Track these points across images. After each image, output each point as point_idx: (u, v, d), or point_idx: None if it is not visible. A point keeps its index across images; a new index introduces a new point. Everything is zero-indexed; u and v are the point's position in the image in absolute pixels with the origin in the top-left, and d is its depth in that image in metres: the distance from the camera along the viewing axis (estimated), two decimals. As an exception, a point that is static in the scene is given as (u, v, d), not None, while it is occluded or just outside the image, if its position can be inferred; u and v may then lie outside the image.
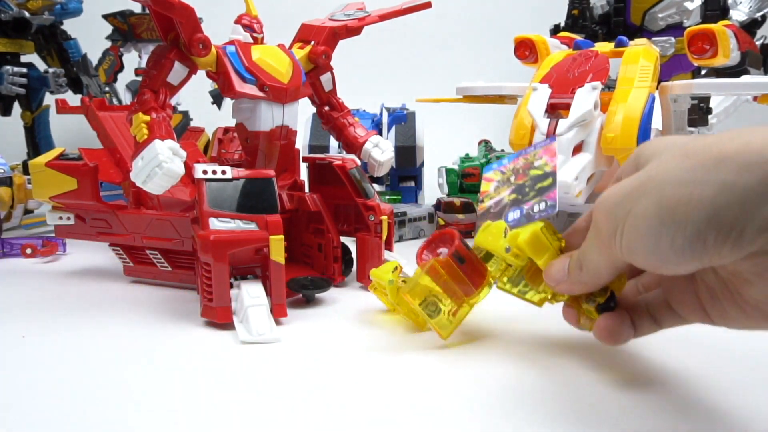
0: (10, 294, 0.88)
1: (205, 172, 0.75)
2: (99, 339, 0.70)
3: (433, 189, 1.53)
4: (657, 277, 0.41)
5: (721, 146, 0.29)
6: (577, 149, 0.89)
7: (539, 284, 0.54)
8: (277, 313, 0.74)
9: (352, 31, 0.90)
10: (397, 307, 0.72)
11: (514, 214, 0.54)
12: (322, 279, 0.85)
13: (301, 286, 0.81)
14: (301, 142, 1.42)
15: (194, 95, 1.53)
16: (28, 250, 1.10)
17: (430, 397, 0.55)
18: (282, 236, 0.73)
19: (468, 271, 0.60)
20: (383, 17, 0.93)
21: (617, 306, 0.42)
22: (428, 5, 0.96)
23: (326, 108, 0.96)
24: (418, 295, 0.62)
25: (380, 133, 1.45)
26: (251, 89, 0.81)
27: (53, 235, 1.01)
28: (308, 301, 0.83)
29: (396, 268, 0.71)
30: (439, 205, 1.35)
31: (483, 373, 0.60)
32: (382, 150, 0.94)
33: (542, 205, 0.50)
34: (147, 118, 0.75)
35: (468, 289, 0.61)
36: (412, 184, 1.49)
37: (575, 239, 0.43)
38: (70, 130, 1.61)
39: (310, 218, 0.91)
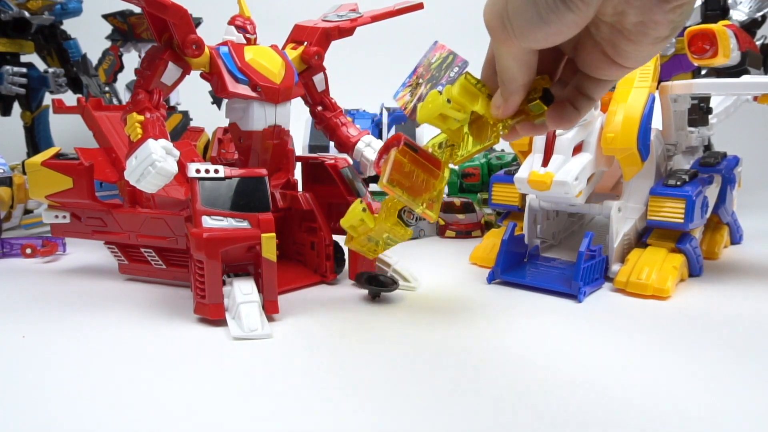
0: (10, 294, 0.88)
1: (198, 170, 0.75)
2: (96, 337, 0.70)
3: (432, 189, 1.53)
4: (572, 66, 0.47)
5: None
6: (577, 149, 0.89)
7: (488, 134, 0.56)
8: (269, 309, 0.75)
9: (344, 32, 0.90)
10: (376, 246, 0.73)
11: (437, 89, 0.58)
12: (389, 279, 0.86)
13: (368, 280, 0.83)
14: (301, 142, 1.42)
15: (194, 95, 1.54)
16: (28, 250, 1.10)
17: (425, 394, 0.55)
18: (273, 234, 0.74)
19: (424, 157, 0.65)
20: (375, 18, 0.93)
21: (555, 97, 0.48)
22: (420, 6, 0.96)
23: (319, 108, 0.96)
24: (393, 211, 0.67)
25: (380, 133, 1.45)
26: (244, 89, 0.81)
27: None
28: (374, 297, 0.85)
29: (361, 201, 0.72)
30: (438, 205, 1.35)
31: (480, 372, 0.60)
32: (374, 149, 0.94)
33: (456, 69, 0.56)
34: (141, 117, 0.75)
35: (432, 172, 0.65)
36: (412, 184, 1.48)
37: (492, 82, 0.49)
38: (69, 130, 1.62)
39: (303, 217, 0.92)
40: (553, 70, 0.49)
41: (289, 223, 0.95)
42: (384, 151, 0.68)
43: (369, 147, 0.94)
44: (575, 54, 0.44)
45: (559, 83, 0.48)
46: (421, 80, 0.61)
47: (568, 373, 0.60)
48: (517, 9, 0.38)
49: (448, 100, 0.53)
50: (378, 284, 0.83)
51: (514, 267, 0.94)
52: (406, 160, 0.64)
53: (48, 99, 1.51)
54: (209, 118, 1.58)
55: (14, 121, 1.52)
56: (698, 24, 1.19)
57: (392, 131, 1.45)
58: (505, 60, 0.43)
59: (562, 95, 0.47)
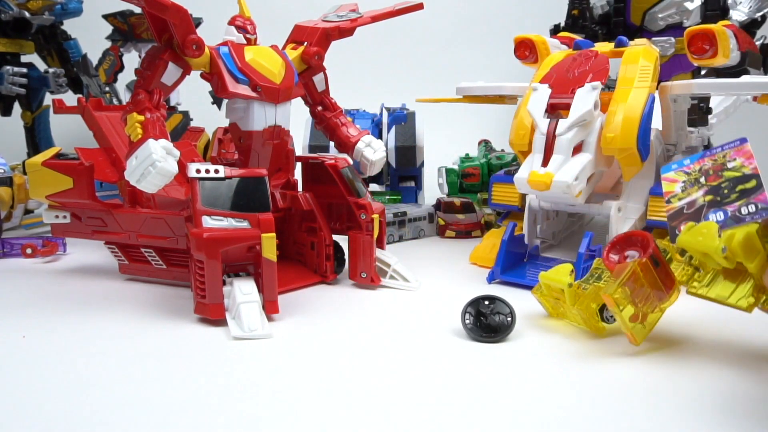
0: (10, 294, 0.88)
1: (198, 170, 0.75)
2: (97, 337, 0.71)
3: (433, 189, 1.53)
4: None
5: None
6: (577, 149, 0.89)
7: (742, 292, 0.52)
8: (269, 309, 0.75)
9: (344, 32, 0.90)
10: (563, 312, 0.71)
11: (716, 216, 0.52)
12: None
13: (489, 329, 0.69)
14: (301, 142, 1.42)
15: (194, 95, 1.54)
16: (29, 250, 1.10)
17: (424, 393, 0.56)
18: (273, 234, 0.74)
19: (662, 275, 0.59)
20: (375, 18, 0.93)
21: None
22: (420, 6, 0.96)
23: (319, 108, 0.96)
24: (618, 301, 0.59)
25: (380, 133, 1.45)
26: (244, 89, 0.81)
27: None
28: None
29: (572, 271, 0.68)
30: (439, 205, 1.35)
31: (480, 371, 0.60)
32: (374, 149, 0.95)
33: (752, 208, 0.50)
34: (141, 117, 0.75)
35: (661, 294, 0.60)
36: (412, 184, 1.48)
37: None
38: (70, 130, 1.62)
39: (303, 217, 0.92)
40: None
41: (289, 223, 0.95)
42: (624, 244, 0.61)
43: (369, 147, 0.95)
44: None
45: None
46: (703, 179, 0.54)
47: (569, 373, 0.60)
48: None
49: (724, 249, 0.47)
50: (491, 329, 0.69)
51: (514, 267, 0.94)
52: (642, 275, 0.58)
53: (48, 99, 1.51)
54: (209, 118, 1.58)
55: (14, 121, 1.52)
56: (698, 24, 1.19)
57: (392, 131, 1.45)
58: None
59: None
